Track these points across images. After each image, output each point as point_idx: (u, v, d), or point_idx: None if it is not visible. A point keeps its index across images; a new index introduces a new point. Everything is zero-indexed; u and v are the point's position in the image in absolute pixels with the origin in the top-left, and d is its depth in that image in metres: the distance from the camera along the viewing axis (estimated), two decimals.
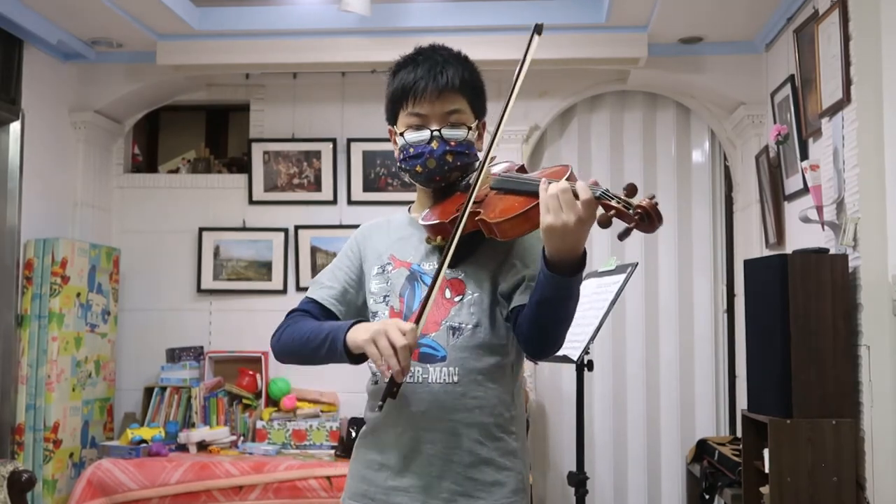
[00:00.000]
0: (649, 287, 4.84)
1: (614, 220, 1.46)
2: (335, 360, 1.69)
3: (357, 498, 1.75)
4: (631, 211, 1.43)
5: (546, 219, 1.49)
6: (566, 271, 1.53)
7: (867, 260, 2.96)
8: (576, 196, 1.47)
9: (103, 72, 4.63)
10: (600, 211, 1.47)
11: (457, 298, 1.71)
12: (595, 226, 1.48)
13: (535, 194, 1.53)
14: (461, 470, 1.67)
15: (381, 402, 1.60)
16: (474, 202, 1.65)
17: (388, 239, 1.83)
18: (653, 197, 1.44)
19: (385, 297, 1.76)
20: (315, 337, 1.70)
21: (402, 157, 1.78)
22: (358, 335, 1.61)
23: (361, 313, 1.82)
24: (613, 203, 1.45)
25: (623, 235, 1.46)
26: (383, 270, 1.79)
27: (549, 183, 1.50)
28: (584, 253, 1.54)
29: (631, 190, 1.45)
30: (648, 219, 1.42)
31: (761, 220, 4.21)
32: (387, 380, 1.57)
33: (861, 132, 2.98)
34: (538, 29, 1.66)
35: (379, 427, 1.73)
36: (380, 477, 1.71)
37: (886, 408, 2.87)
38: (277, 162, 4.85)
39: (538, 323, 1.61)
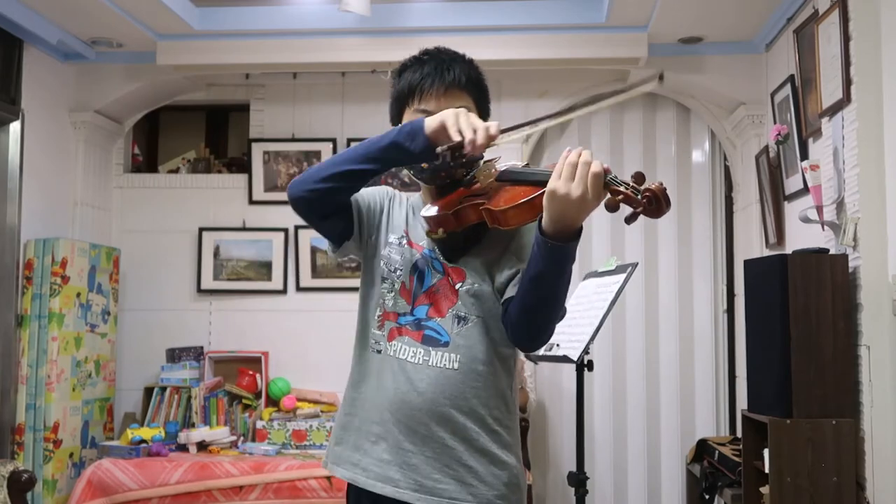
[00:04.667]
0: (649, 287, 4.84)
1: (622, 205, 1.48)
2: (394, 155, 1.65)
3: (348, 466, 1.76)
4: (639, 196, 1.45)
5: (554, 183, 1.50)
6: (560, 240, 1.53)
7: (867, 260, 2.96)
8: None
9: (103, 72, 4.63)
10: (608, 195, 1.49)
11: (457, 286, 1.73)
12: (602, 210, 1.50)
13: (543, 183, 1.54)
14: (456, 455, 1.69)
15: (445, 149, 1.57)
16: (479, 194, 1.67)
17: (404, 214, 1.84)
18: (661, 183, 1.46)
19: (397, 269, 1.77)
20: (379, 139, 1.66)
21: None
22: (439, 114, 1.62)
23: (363, 230, 1.81)
24: (622, 189, 1.48)
25: (630, 219, 1.48)
26: (400, 244, 1.80)
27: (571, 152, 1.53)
28: (580, 228, 1.55)
29: (639, 178, 1.47)
30: (656, 202, 1.44)
31: (761, 220, 4.20)
32: (455, 142, 1.57)
33: (861, 132, 2.98)
34: (661, 76, 1.75)
35: (378, 400, 1.74)
36: (376, 450, 1.72)
37: (886, 408, 2.87)
38: (277, 162, 4.85)
39: (526, 302, 1.62)
